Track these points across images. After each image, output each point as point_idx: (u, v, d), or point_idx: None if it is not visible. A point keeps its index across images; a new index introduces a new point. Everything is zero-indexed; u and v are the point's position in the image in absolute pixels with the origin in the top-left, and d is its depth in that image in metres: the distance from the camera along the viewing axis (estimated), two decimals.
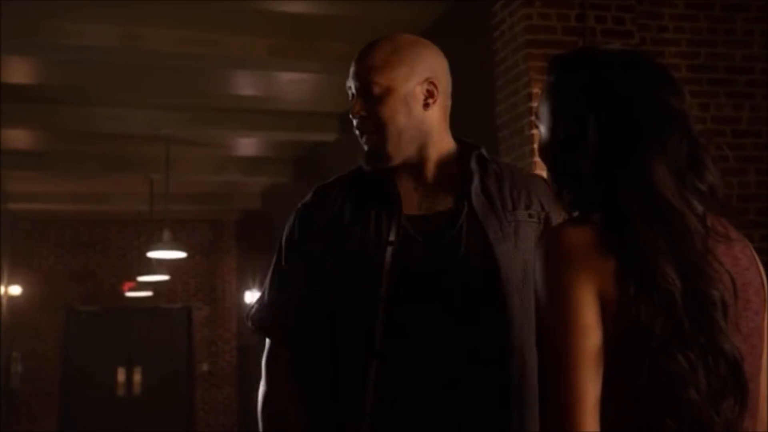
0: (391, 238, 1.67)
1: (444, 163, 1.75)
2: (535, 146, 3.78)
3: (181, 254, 8.43)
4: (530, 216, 1.71)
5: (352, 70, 1.74)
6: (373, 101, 1.71)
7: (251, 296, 11.22)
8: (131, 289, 11.16)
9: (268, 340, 1.84)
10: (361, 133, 1.74)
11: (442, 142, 1.75)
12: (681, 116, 1.33)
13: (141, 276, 9.71)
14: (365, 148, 1.74)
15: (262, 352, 1.85)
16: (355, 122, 1.74)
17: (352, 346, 1.65)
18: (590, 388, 1.20)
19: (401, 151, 1.71)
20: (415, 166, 1.74)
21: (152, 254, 8.35)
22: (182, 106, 7.32)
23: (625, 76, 1.34)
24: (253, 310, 1.86)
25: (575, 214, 1.36)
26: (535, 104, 3.75)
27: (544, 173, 1.59)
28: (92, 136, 7.93)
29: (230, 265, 12.85)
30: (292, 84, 6.75)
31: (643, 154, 1.28)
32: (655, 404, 1.20)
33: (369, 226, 1.69)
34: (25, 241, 11.84)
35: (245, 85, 6.95)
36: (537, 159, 3.75)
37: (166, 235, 7.97)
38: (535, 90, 3.82)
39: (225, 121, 7.56)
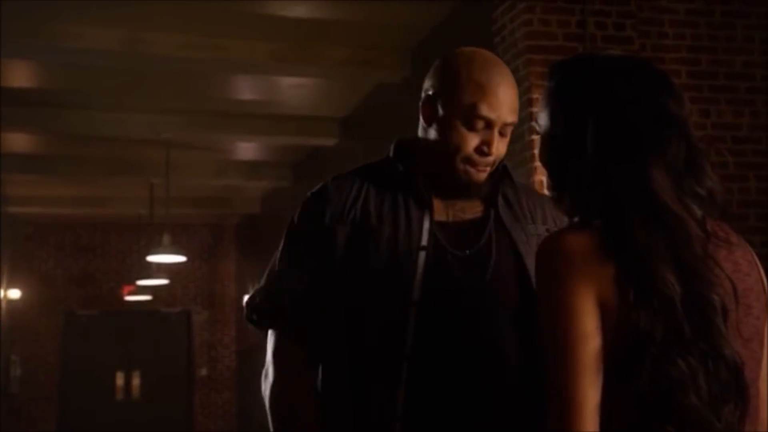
0: (424, 242, 1.67)
1: None
2: (536, 152, 3.78)
3: (180, 258, 8.43)
4: (548, 231, 1.73)
5: (494, 99, 1.67)
6: (502, 142, 1.71)
7: None
8: (131, 293, 11.17)
9: (272, 335, 1.78)
10: (478, 166, 1.69)
11: None
12: (680, 121, 1.33)
13: (140, 280, 9.71)
14: (467, 178, 1.70)
15: (263, 352, 1.81)
16: (473, 154, 1.68)
17: (382, 348, 1.63)
18: (590, 394, 1.20)
19: None
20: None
21: (152, 258, 8.35)
22: (183, 110, 7.32)
23: (624, 82, 1.34)
24: (257, 302, 1.80)
25: (575, 219, 1.36)
26: (535, 110, 3.76)
27: (544, 178, 1.60)
28: (93, 139, 7.93)
29: (230, 269, 12.85)
30: (293, 88, 6.76)
31: (642, 159, 1.29)
32: (656, 410, 1.20)
33: (399, 228, 1.68)
34: (25, 245, 11.84)
35: (246, 89, 6.96)
36: (537, 164, 3.76)
37: (166, 239, 7.97)
38: (536, 96, 3.82)
39: (225, 126, 7.57)
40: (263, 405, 1.79)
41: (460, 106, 1.68)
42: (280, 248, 1.81)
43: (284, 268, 1.78)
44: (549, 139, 1.41)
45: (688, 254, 1.24)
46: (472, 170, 1.70)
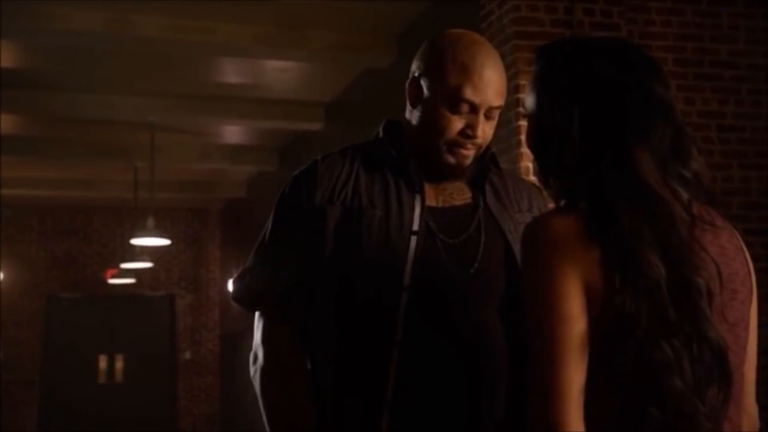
0: (415, 227, 1.65)
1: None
2: (522, 137, 3.79)
3: (164, 242, 8.40)
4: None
5: (479, 81, 1.65)
6: (488, 124, 1.70)
7: None
8: (114, 276, 11.12)
9: (260, 317, 1.76)
10: (463, 149, 1.68)
11: None
12: (666, 104, 1.33)
13: (124, 263, 9.67)
14: (453, 161, 1.69)
15: (246, 336, 1.78)
16: (458, 137, 1.67)
17: (371, 333, 1.61)
18: (574, 377, 1.21)
19: None
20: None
21: (136, 241, 8.32)
22: (168, 93, 7.27)
23: (609, 64, 1.34)
24: (245, 282, 1.78)
25: (562, 203, 1.36)
26: (522, 96, 3.76)
27: (530, 163, 1.60)
28: (77, 122, 7.87)
29: (214, 253, 12.82)
30: (279, 72, 6.72)
31: (628, 142, 1.29)
32: (640, 393, 1.21)
33: (390, 211, 1.66)
34: (7, 227, 11.75)
35: (232, 72, 6.92)
36: (523, 150, 3.76)
37: (150, 222, 7.94)
38: (522, 82, 3.82)
39: (211, 109, 7.52)
40: (246, 389, 1.77)
41: (444, 88, 1.66)
42: (268, 227, 1.78)
43: (273, 249, 1.75)
44: (535, 122, 1.41)
45: (673, 237, 1.24)
46: (457, 152, 1.68)
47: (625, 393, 1.22)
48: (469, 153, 1.69)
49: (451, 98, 1.65)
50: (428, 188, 1.71)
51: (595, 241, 1.24)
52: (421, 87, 1.71)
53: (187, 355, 12.51)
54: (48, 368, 11.79)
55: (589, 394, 1.22)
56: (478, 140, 1.68)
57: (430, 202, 1.70)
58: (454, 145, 1.68)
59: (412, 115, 1.74)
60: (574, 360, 1.21)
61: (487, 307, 1.64)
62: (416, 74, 1.73)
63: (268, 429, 1.71)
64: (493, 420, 1.62)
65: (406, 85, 1.76)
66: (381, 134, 1.80)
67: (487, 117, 1.69)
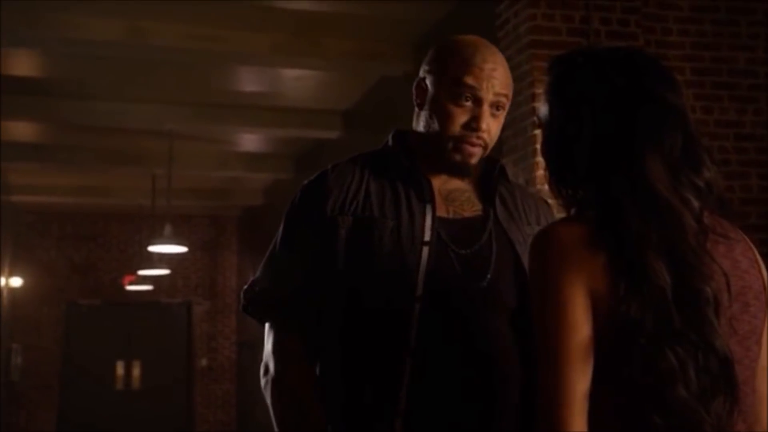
0: (427, 238, 1.64)
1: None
2: (538, 147, 3.78)
3: (182, 249, 8.43)
4: None
5: (480, 72, 1.67)
6: (494, 121, 1.70)
7: None
8: (132, 283, 11.17)
9: (270, 328, 1.75)
10: (468, 144, 1.68)
11: None
12: (677, 111, 1.32)
13: (142, 270, 9.71)
14: (459, 158, 1.69)
15: (262, 344, 1.77)
16: (463, 131, 1.67)
17: (384, 343, 1.60)
18: (578, 383, 1.20)
19: None
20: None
21: (153, 248, 8.35)
22: (185, 101, 7.31)
23: (620, 73, 1.34)
24: (255, 292, 1.77)
25: (573, 211, 1.36)
26: (537, 104, 3.75)
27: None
28: (95, 130, 7.93)
29: (231, 260, 12.86)
30: (296, 80, 6.75)
31: (638, 150, 1.28)
32: (644, 401, 1.20)
33: (402, 221, 1.66)
34: (27, 233, 11.85)
35: (249, 81, 6.95)
36: (539, 159, 3.76)
37: (168, 229, 7.97)
38: (539, 91, 3.81)
39: (228, 117, 7.56)
40: (262, 397, 1.76)
41: (445, 81, 1.69)
42: (279, 237, 1.78)
43: (283, 259, 1.75)
44: (548, 132, 1.41)
45: (681, 245, 1.23)
46: (463, 148, 1.68)
47: (630, 401, 1.21)
48: (475, 150, 1.69)
49: (454, 89, 1.67)
50: (438, 199, 1.71)
51: (601, 248, 1.23)
52: (426, 86, 1.74)
53: (204, 362, 12.54)
54: (66, 374, 11.85)
55: (593, 400, 1.21)
56: (483, 134, 1.68)
57: (441, 213, 1.69)
58: (459, 141, 1.68)
59: (419, 118, 1.76)
60: (579, 366, 1.21)
61: (499, 317, 1.62)
62: (421, 75, 1.77)
63: None
64: (506, 430, 1.60)
65: (413, 88, 1.78)
66: (391, 143, 1.80)
67: (493, 114, 1.69)
